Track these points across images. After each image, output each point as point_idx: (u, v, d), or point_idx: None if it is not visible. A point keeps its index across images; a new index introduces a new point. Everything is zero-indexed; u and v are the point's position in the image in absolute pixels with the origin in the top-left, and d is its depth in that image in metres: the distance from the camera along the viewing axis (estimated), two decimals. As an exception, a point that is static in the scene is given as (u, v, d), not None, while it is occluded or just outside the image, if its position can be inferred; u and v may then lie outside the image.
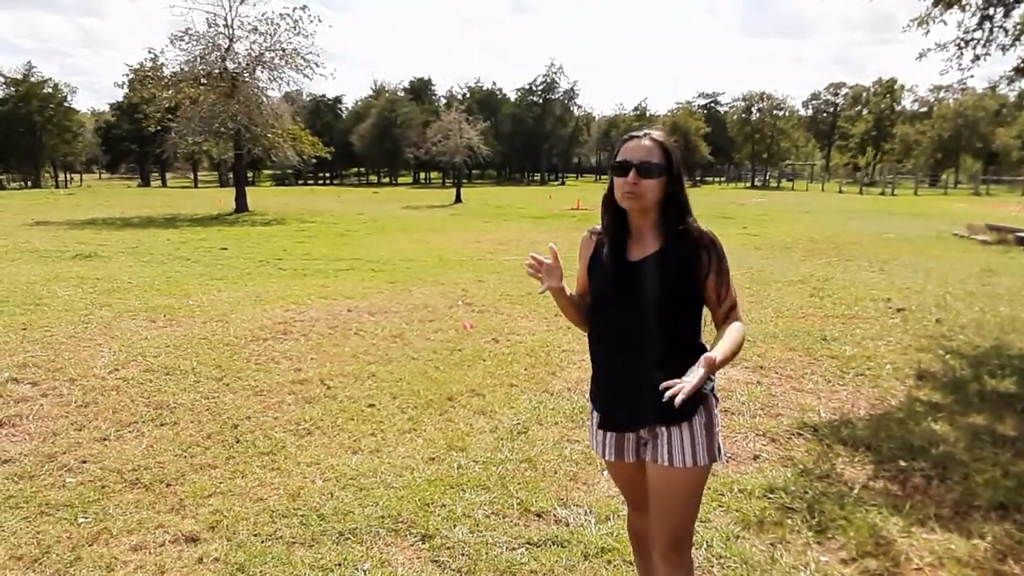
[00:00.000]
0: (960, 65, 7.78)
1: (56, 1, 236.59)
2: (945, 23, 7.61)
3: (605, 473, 3.44)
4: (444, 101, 72.74)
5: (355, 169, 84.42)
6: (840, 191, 47.94)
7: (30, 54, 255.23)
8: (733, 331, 1.89)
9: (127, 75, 53.49)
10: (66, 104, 63.86)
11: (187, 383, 4.94)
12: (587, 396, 2.19)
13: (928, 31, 7.73)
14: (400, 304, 7.74)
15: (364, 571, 2.76)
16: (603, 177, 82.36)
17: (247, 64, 24.85)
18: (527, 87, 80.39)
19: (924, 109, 70.22)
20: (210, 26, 24.19)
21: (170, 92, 24.45)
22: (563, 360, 5.61)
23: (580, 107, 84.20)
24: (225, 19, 24.30)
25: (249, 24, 24.54)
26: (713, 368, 1.74)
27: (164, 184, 66.93)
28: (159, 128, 25.00)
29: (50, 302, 7.43)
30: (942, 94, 66.71)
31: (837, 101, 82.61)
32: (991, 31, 7.38)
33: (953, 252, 12.79)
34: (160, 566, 2.77)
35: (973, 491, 3.39)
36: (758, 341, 6.16)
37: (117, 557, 2.83)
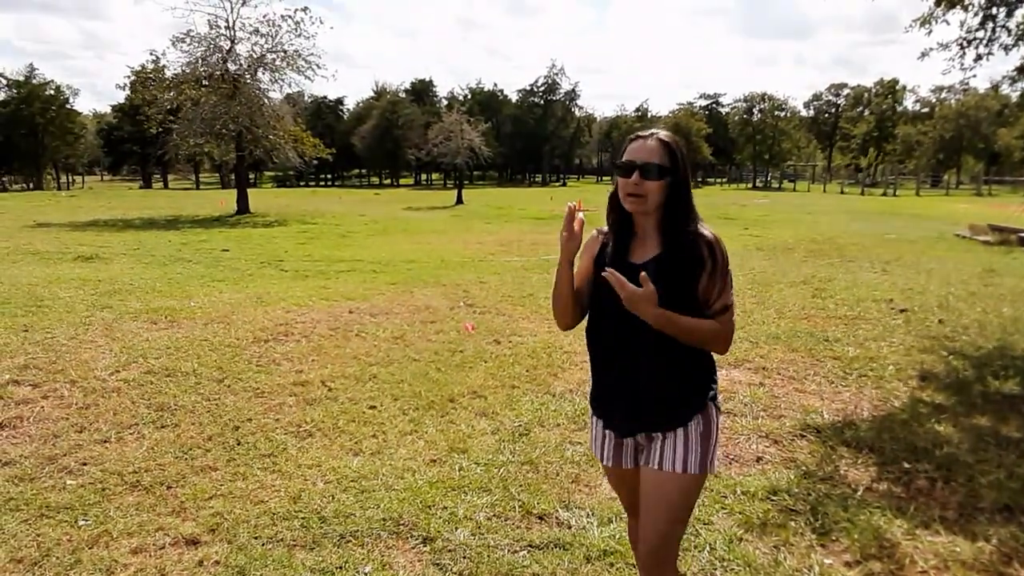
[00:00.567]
0: (962, 65, 7.80)
1: (58, 3, 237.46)
2: (947, 23, 7.63)
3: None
4: (445, 102, 72.62)
5: (356, 170, 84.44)
6: (842, 192, 47.89)
7: (32, 56, 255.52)
8: (705, 322, 1.87)
9: (129, 77, 53.88)
10: (68, 106, 63.86)
11: (188, 385, 4.93)
12: (588, 398, 2.17)
13: (930, 31, 7.76)
14: (401, 305, 7.74)
15: (365, 574, 2.75)
16: (605, 178, 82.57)
17: (248, 66, 24.88)
18: (528, 88, 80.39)
19: (926, 110, 70.15)
20: (211, 28, 24.29)
21: (172, 94, 24.43)
22: (565, 361, 5.60)
23: (581, 108, 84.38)
24: (227, 21, 24.41)
25: (250, 26, 24.65)
26: (652, 305, 1.76)
27: (166, 186, 66.92)
28: (161, 130, 24.95)
29: (51, 304, 7.42)
30: (944, 94, 66.76)
31: (839, 102, 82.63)
32: (994, 31, 7.39)
33: (955, 253, 12.76)
34: (160, 569, 2.76)
35: (977, 493, 3.38)
36: (760, 342, 6.15)
37: (117, 560, 2.82)
